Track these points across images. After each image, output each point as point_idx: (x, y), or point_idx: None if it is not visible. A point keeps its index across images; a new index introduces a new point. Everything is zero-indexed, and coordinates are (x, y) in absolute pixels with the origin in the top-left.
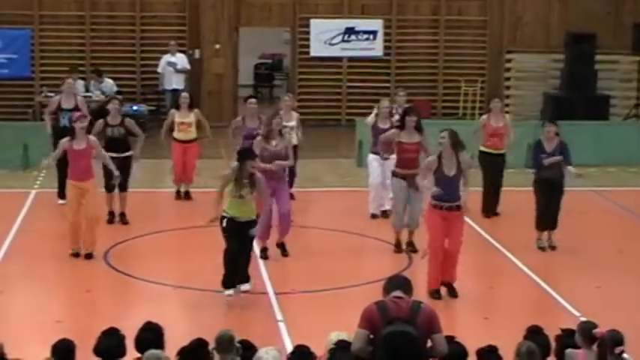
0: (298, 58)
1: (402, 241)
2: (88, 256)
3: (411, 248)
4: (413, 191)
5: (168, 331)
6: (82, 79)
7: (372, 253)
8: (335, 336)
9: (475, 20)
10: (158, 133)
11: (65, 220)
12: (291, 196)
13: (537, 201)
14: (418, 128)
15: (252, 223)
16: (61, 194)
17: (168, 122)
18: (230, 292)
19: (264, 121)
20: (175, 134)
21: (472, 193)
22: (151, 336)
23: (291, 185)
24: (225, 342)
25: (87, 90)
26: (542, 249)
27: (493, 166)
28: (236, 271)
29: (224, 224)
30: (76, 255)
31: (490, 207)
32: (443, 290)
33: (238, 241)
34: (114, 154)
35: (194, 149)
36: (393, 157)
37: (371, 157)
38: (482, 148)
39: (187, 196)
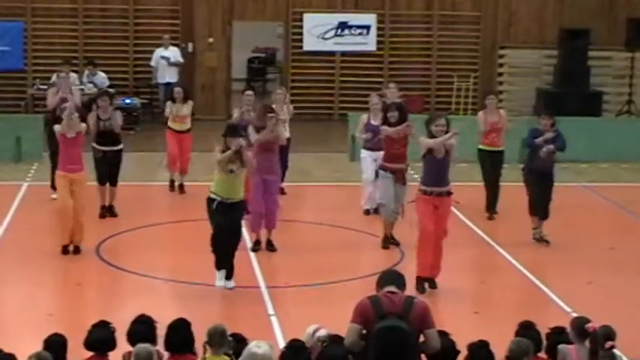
0: (291, 52)
1: (391, 236)
2: (77, 250)
3: (392, 241)
4: (399, 186)
5: (160, 325)
6: (75, 71)
7: (364, 248)
8: (312, 329)
9: (468, 15)
10: (151, 126)
11: (56, 211)
12: (282, 191)
13: (528, 188)
14: (401, 122)
15: (239, 204)
16: (54, 186)
17: (168, 113)
18: (221, 283)
19: (256, 113)
20: (170, 124)
21: (468, 188)
22: (143, 329)
23: (282, 179)
24: (217, 335)
25: (80, 82)
26: (537, 240)
27: (491, 164)
28: (226, 255)
29: (214, 206)
30: (65, 249)
31: (490, 206)
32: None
33: (225, 223)
34: (104, 148)
35: (188, 140)
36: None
37: (364, 153)
38: (481, 146)
39: (181, 189)
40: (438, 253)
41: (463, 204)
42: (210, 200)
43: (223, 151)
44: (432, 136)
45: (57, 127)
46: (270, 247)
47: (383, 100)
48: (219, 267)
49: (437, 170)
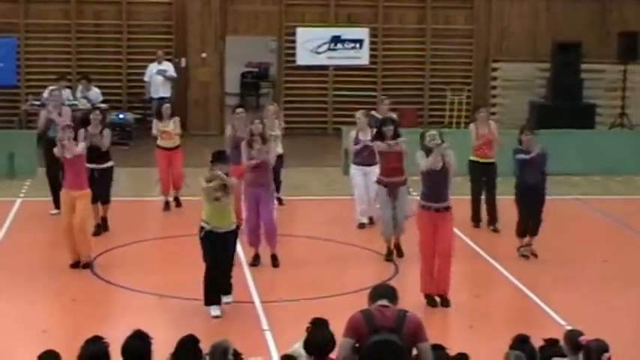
0: (284, 66)
1: (393, 250)
2: (85, 266)
3: (398, 252)
4: (395, 200)
5: (154, 341)
6: (68, 87)
7: (357, 262)
8: (299, 346)
9: (461, 29)
10: (144, 141)
11: (59, 228)
12: (280, 201)
13: (519, 209)
14: (395, 137)
15: (231, 234)
16: (56, 203)
17: (155, 132)
18: (217, 312)
19: (248, 127)
20: (159, 142)
21: (460, 201)
22: (139, 344)
23: (277, 190)
24: (219, 352)
25: (73, 98)
26: (525, 257)
27: (484, 176)
28: (216, 287)
29: (203, 235)
30: (77, 264)
31: (490, 219)
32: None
33: (218, 255)
34: (94, 165)
35: (178, 156)
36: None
37: (353, 168)
38: (472, 158)
39: (177, 202)
40: (445, 271)
41: (456, 217)
42: (200, 229)
43: (208, 180)
44: (427, 149)
45: (56, 150)
46: (274, 261)
47: (371, 115)
48: (209, 303)
49: (435, 186)
